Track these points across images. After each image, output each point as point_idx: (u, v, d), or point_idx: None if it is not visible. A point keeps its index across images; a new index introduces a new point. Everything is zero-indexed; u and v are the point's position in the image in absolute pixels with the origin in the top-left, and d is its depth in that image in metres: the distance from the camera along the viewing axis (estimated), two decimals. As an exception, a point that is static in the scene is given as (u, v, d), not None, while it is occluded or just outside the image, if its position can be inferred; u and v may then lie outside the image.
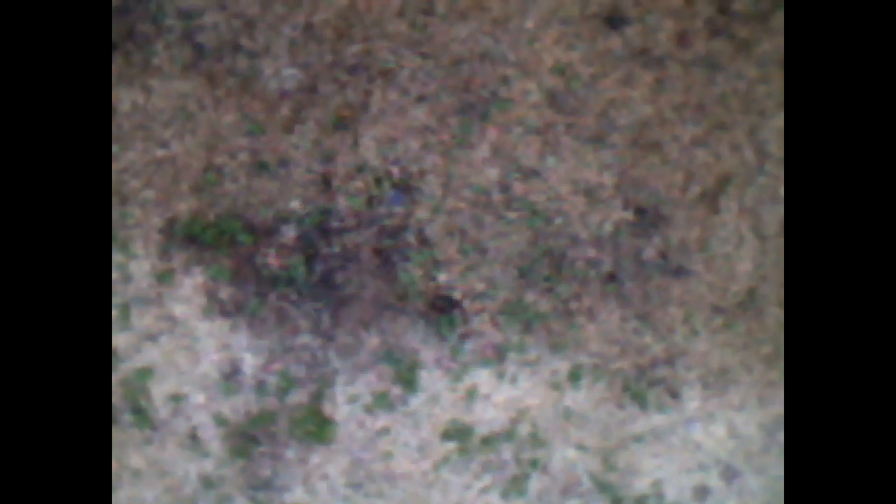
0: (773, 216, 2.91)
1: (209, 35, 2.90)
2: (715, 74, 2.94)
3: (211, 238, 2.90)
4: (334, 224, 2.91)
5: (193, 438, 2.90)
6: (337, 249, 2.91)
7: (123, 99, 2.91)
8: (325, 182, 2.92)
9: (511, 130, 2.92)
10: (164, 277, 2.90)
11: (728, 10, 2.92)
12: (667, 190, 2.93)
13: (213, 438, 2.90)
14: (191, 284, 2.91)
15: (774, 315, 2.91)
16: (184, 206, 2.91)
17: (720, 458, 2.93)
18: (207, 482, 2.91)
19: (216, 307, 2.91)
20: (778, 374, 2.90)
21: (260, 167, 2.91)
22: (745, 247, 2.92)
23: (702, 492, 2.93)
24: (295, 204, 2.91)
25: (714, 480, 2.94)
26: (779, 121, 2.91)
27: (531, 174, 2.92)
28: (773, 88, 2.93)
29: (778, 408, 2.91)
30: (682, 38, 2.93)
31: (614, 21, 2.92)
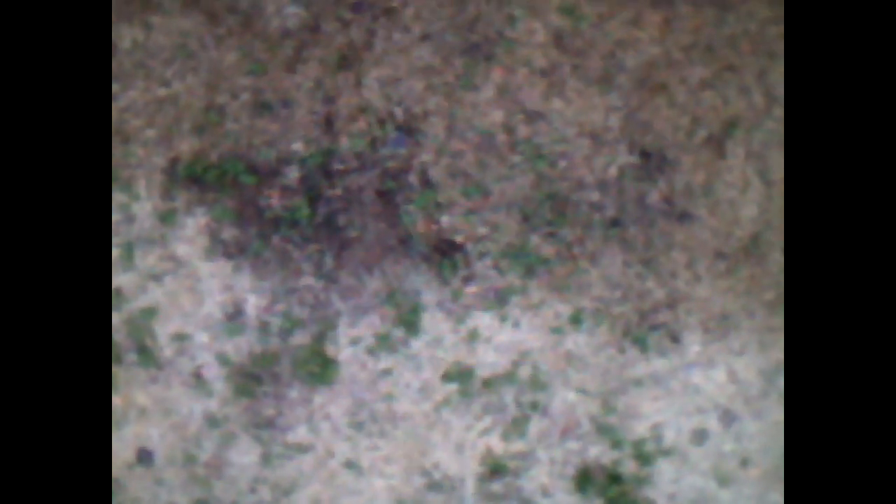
0: (780, 162, 2.89)
1: (210, -28, 2.85)
2: (725, 15, 2.88)
3: (213, 178, 2.89)
4: (337, 166, 2.89)
5: (197, 377, 2.93)
6: (339, 191, 2.90)
7: (124, 36, 2.87)
8: (328, 123, 2.89)
9: (516, 72, 2.88)
10: (166, 218, 2.90)
11: (740, -50, 2.86)
12: (673, 133, 2.90)
13: (217, 378, 2.93)
14: (194, 225, 2.90)
15: (777, 262, 2.90)
16: (186, 146, 2.89)
17: (719, 402, 2.95)
18: (212, 420, 2.94)
19: (219, 248, 2.91)
20: (779, 321, 2.90)
21: (262, 107, 2.88)
22: (751, 192, 2.90)
23: (700, 435, 2.96)
24: (297, 145, 2.89)
25: (713, 424, 2.96)
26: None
27: (536, 116, 2.89)
28: (783, 30, 2.88)
29: (778, 354, 2.92)
30: (692, -22, 2.87)
31: (623, -40, 2.86)
